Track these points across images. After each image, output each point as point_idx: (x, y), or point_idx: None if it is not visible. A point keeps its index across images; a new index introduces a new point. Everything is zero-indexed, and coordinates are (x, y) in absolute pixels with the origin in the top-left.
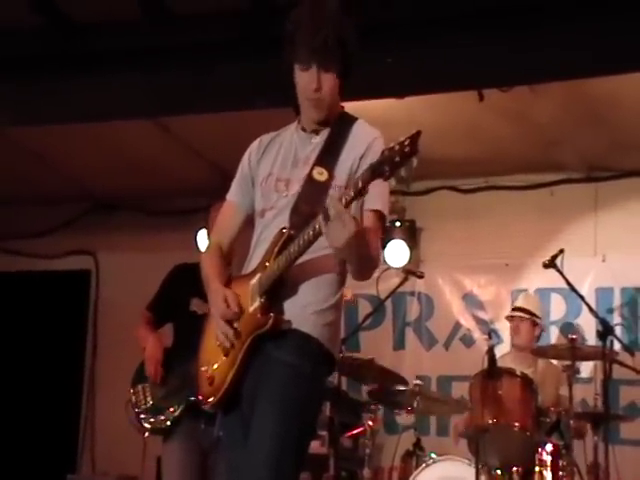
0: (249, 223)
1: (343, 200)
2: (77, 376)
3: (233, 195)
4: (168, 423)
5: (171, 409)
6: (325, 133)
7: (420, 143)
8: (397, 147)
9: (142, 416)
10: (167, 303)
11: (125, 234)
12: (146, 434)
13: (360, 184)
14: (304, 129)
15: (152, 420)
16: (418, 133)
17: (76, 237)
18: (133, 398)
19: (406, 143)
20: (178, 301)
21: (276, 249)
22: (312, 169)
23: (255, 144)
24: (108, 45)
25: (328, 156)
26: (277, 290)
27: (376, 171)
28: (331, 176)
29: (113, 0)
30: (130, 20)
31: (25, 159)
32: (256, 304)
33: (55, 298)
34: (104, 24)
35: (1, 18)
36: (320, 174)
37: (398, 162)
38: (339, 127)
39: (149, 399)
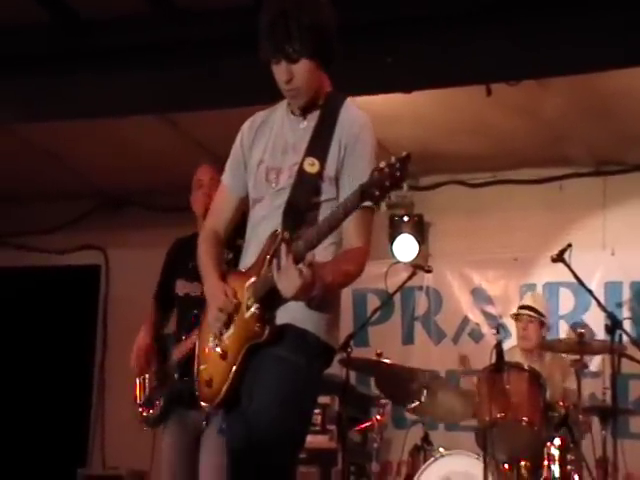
0: (244, 204)
1: (292, 253)
2: (87, 370)
3: (226, 178)
4: (157, 414)
5: (157, 401)
6: (313, 117)
7: (410, 165)
8: (387, 170)
9: (140, 409)
10: (165, 289)
11: (134, 230)
12: (145, 427)
13: (349, 205)
14: (293, 112)
15: (145, 414)
16: (408, 157)
17: (86, 233)
18: (135, 391)
19: (396, 166)
20: (171, 286)
21: (270, 254)
22: (303, 160)
23: (246, 126)
24: (115, 41)
25: (318, 145)
26: (273, 296)
27: (365, 193)
28: (322, 167)
29: None
30: (137, 16)
31: (34, 156)
32: (252, 311)
33: (65, 293)
34: (111, 20)
35: (8, 15)
36: (311, 165)
37: (388, 187)
38: (327, 111)
39: (147, 390)
